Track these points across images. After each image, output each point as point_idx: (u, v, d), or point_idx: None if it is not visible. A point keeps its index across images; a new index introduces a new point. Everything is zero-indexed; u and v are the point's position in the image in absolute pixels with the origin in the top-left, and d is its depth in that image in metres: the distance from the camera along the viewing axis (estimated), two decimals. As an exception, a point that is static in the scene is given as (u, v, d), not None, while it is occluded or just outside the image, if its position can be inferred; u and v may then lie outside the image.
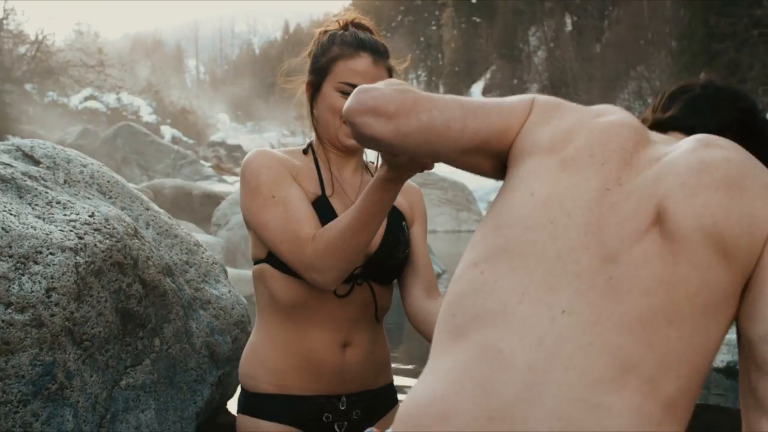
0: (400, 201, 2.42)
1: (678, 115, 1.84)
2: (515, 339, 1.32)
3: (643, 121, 1.86)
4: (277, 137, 73.94)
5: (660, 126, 1.82)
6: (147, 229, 3.37)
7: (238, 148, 55.44)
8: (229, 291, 3.56)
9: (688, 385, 1.31)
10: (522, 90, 56.28)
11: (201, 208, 12.92)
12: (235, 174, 34.60)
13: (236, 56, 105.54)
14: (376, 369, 2.39)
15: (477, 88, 64.89)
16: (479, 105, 1.62)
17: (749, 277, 1.38)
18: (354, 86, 2.19)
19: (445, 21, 73.56)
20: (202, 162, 29.54)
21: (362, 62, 2.27)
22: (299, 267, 2.13)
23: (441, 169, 20.25)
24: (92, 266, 2.69)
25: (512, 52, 58.84)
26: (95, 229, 2.78)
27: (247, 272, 8.83)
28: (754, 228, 1.37)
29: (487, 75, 63.59)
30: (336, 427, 2.31)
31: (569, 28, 49.84)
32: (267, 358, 2.37)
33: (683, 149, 1.50)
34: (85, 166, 3.29)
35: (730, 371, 5.41)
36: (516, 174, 1.55)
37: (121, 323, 2.81)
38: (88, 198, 3.03)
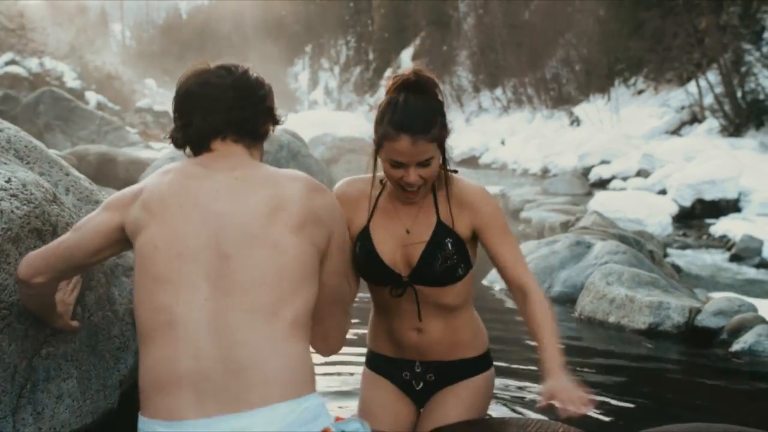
0: (456, 216, 2.85)
1: None
2: None
3: None
4: (206, 103, 72.83)
5: None
6: (67, 194, 3.30)
7: (165, 114, 54.55)
8: (153, 257, 3.50)
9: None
10: (451, 56, 56.39)
11: (126, 175, 12.71)
12: (161, 140, 34.13)
13: (163, 21, 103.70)
14: (447, 347, 2.99)
15: (406, 54, 64.83)
16: None
17: None
18: (399, 162, 2.68)
19: (374, -13, 73.32)
20: (128, 128, 29.06)
21: (402, 144, 2.65)
22: None
23: (369, 135, 20.28)
24: (9, 233, 2.63)
25: (442, 19, 58.79)
26: (12, 195, 2.71)
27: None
28: None
29: (417, 41, 63.48)
30: (413, 383, 3.05)
31: (498, -6, 50.09)
32: (374, 329, 3.15)
33: None
34: (1, 130, 3.20)
35: (651, 333, 5.54)
36: None
37: (40, 291, 2.75)
38: (5, 163, 2.95)
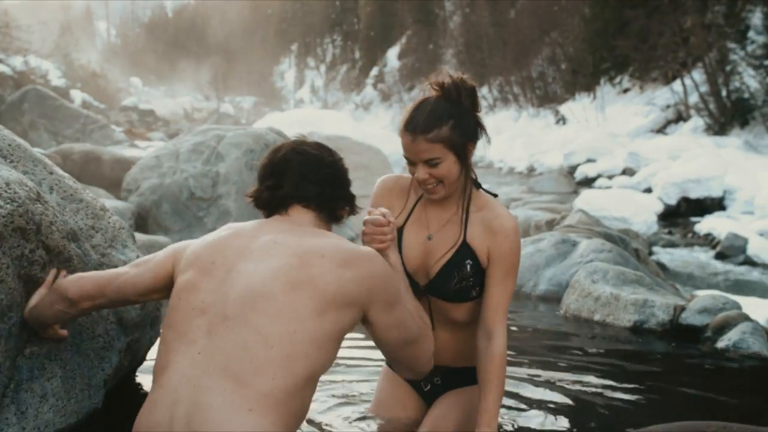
0: (480, 240, 2.91)
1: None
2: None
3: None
4: (191, 102, 72.94)
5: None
6: (51, 193, 3.28)
7: (151, 112, 54.54)
8: (137, 256, 3.49)
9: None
10: (437, 55, 56.46)
11: (112, 174, 12.65)
12: (147, 139, 34.02)
13: (148, 19, 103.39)
14: (454, 354, 3.07)
15: (393, 52, 64.86)
16: None
17: None
18: (410, 159, 2.84)
19: (360, -15, 73.27)
20: (113, 127, 28.88)
21: (404, 141, 2.82)
22: None
23: (356, 133, 20.01)
24: (-9, 232, 2.61)
25: (428, 17, 58.90)
26: (-6, 194, 2.69)
27: (158, 238, 8.70)
28: None
29: (403, 40, 63.53)
30: (422, 384, 3.15)
31: (484, -7, 50.12)
32: None
33: None
34: (-16, 129, 3.19)
35: (636, 330, 5.55)
36: None
37: (24, 290, 2.74)
38: (-12, 162, 2.93)
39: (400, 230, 3.00)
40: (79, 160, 13.10)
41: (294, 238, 2.45)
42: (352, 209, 2.77)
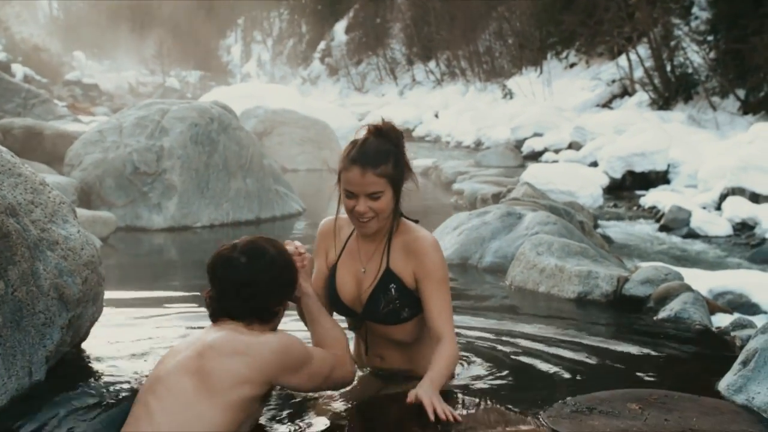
0: (403, 264, 3.24)
1: None
2: None
3: None
4: (136, 76, 71.94)
5: None
6: (-13, 167, 3.22)
7: (95, 87, 53.73)
8: (78, 231, 3.43)
9: None
10: (385, 29, 56.29)
11: (54, 149, 12.42)
12: (91, 114, 33.51)
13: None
14: (405, 373, 3.38)
15: (340, 26, 64.50)
16: None
17: None
18: (351, 192, 3.13)
19: (307, -42, 72.67)
20: (56, 101, 28.42)
21: (352, 175, 3.11)
22: None
23: (303, 108, 19.90)
24: (-74, 206, 2.56)
25: (375, -9, 58.63)
26: (-72, 167, 2.63)
27: (102, 214, 8.59)
28: None
29: (351, 14, 63.19)
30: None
31: (432, -33, 49.99)
32: (354, 348, 3.60)
33: None
34: None
35: (580, 302, 5.62)
36: None
37: (-40, 265, 2.69)
38: None
39: (334, 266, 3.39)
40: (20, 135, 12.85)
41: (204, 335, 2.94)
42: (287, 300, 3.14)
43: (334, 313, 3.44)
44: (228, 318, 2.98)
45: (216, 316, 3.02)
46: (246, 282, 2.94)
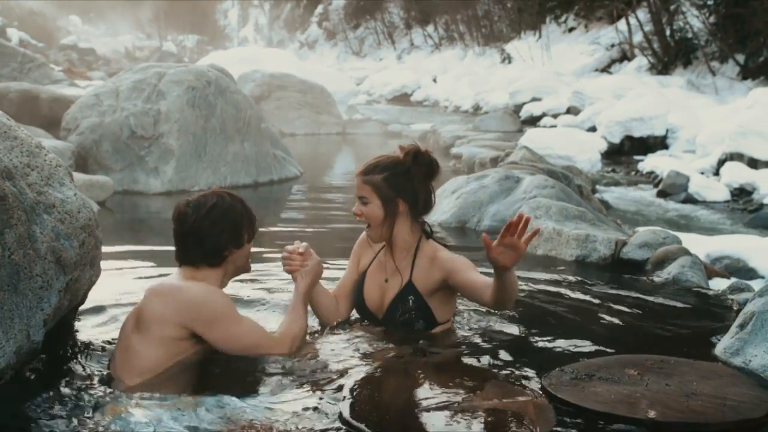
0: (425, 276, 3.56)
1: None
2: None
3: None
4: (132, 40, 71.51)
5: None
6: (-18, 130, 3.20)
7: (91, 51, 53.49)
8: (75, 194, 3.42)
9: None
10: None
11: (50, 113, 12.35)
12: (87, 78, 33.33)
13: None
14: None
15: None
16: None
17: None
18: (360, 197, 3.58)
19: None
20: (52, 66, 28.26)
21: (357, 181, 3.58)
22: None
23: (300, 72, 19.73)
24: None
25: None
26: (-77, 129, 2.61)
27: (99, 178, 8.56)
28: None
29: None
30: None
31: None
32: None
33: None
34: None
35: (578, 265, 5.62)
36: None
37: (-44, 228, 2.68)
38: None
39: (363, 273, 3.77)
40: (16, 99, 12.78)
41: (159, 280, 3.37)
42: (234, 245, 3.32)
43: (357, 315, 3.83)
44: (186, 264, 3.31)
45: (179, 263, 3.34)
46: (190, 231, 3.25)
